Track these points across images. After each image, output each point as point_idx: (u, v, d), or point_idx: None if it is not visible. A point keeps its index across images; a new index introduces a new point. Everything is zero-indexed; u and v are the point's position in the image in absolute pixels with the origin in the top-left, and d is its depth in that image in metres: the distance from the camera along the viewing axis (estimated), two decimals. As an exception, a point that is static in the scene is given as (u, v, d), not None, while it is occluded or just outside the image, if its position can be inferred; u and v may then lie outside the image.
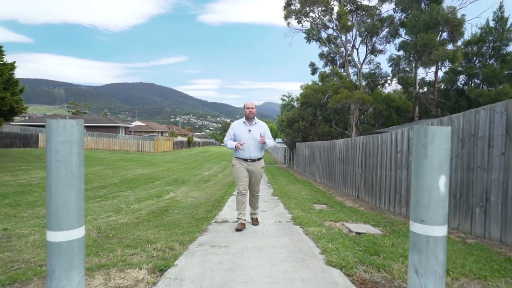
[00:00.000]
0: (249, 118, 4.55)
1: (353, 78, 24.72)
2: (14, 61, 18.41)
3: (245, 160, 4.41)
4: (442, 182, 1.56)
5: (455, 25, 17.65)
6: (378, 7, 23.62)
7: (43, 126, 35.97)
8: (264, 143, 4.40)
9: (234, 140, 4.49)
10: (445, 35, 20.44)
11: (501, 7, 21.27)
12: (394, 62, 24.90)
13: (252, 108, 4.52)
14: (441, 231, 1.58)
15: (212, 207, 6.62)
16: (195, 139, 62.60)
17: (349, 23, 22.86)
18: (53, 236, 1.58)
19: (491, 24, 21.72)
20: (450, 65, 21.03)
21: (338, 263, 2.69)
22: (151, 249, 3.19)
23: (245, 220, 4.42)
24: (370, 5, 23.44)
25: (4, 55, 17.47)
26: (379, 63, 25.68)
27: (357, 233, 4.22)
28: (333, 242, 3.44)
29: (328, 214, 5.80)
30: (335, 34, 22.99)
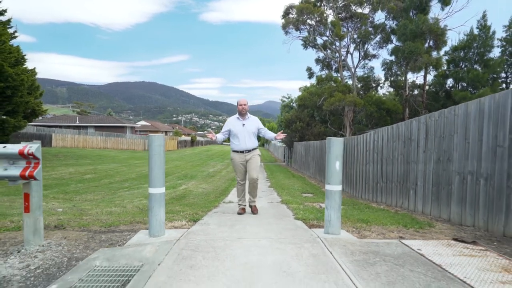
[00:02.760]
0: (242, 114, 4.91)
1: (349, 81, 26.38)
2: (35, 67, 20.18)
3: (242, 152, 4.83)
4: (337, 165, 3.27)
5: (438, 34, 19.27)
6: (371, 15, 25.24)
7: (54, 126, 37.81)
8: (276, 139, 5.00)
9: (228, 135, 4.99)
10: (432, 42, 22.05)
11: (484, 16, 22.86)
12: (387, 66, 26.50)
13: (244, 104, 4.91)
14: (337, 188, 3.29)
15: (219, 194, 8.35)
16: (198, 138, 64.39)
17: (344, 29, 24.56)
18: (152, 190, 3.30)
19: (475, 31, 23.33)
20: (434, 70, 22.62)
21: (302, 218, 4.40)
22: (183, 214, 4.89)
23: (245, 205, 5.07)
24: (364, 12, 25.07)
25: (26, 61, 19.24)
26: (373, 67, 27.35)
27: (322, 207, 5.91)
28: (304, 211, 5.14)
29: (310, 199, 7.49)
30: (330, 40, 24.63)
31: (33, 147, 2.73)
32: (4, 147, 2.72)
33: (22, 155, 2.70)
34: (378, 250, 2.77)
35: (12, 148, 2.71)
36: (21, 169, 2.73)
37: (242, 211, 4.93)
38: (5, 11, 17.74)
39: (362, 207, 6.19)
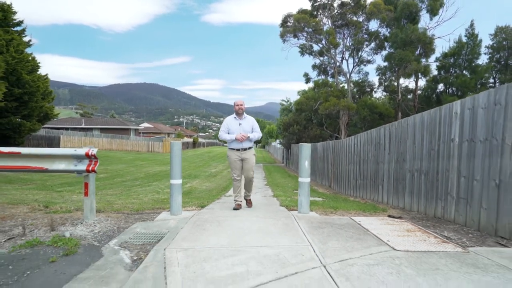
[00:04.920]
0: (238, 114, 5.22)
1: (345, 85, 27.64)
2: (47, 74, 21.49)
3: (238, 150, 5.16)
4: (306, 163, 4.52)
5: (426, 43, 20.51)
6: (365, 23, 26.50)
7: (61, 128, 39.16)
8: (248, 137, 5.11)
9: (228, 133, 5.21)
10: (421, 50, 23.29)
11: (472, 24, 24.12)
12: (381, 71, 27.77)
13: (241, 105, 5.23)
14: (306, 180, 4.54)
15: (221, 190, 9.60)
16: (199, 139, 65.69)
17: (340, 36, 25.87)
18: (173, 181, 4.57)
19: (464, 39, 24.58)
20: (423, 77, 23.84)
21: (285, 205, 5.66)
22: (192, 203, 6.13)
23: (241, 201, 5.41)
24: (359, 20, 26.33)
25: (40, 67, 20.55)
26: (368, 72, 28.57)
27: (308, 200, 7.14)
28: (289, 201, 6.38)
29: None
30: (326, 47, 25.90)
31: (94, 150, 3.99)
32: (75, 150, 3.97)
33: (87, 156, 3.96)
34: (331, 222, 4.02)
35: (81, 151, 3.96)
36: (86, 165, 3.99)
37: (238, 207, 5.24)
38: (21, 22, 19.03)
39: (340, 200, 7.43)
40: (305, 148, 4.54)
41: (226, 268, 2.46)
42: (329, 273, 2.31)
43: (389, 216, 4.46)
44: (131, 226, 4.10)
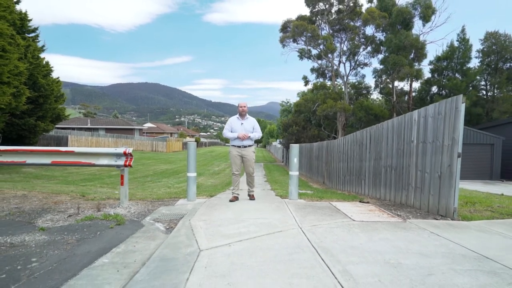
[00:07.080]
0: (241, 115, 5.70)
1: (342, 87, 28.79)
2: (58, 77, 22.69)
3: (239, 146, 5.67)
4: (295, 160, 5.67)
5: (418, 48, 21.62)
6: (362, 28, 27.63)
7: (68, 128, 40.41)
8: (249, 136, 5.61)
9: (231, 132, 5.72)
10: (414, 55, 24.41)
11: (463, 30, 25.23)
12: (377, 74, 28.90)
13: (244, 106, 5.71)
14: (295, 173, 5.69)
15: (225, 185, 10.76)
16: (201, 139, 66.90)
17: (338, 39, 27.02)
18: (189, 174, 5.76)
19: (456, 44, 25.69)
20: (415, 80, 24.94)
21: (279, 195, 6.82)
22: (203, 194, 7.29)
23: (238, 194, 5.91)
24: (356, 25, 27.46)
25: (53, 71, 21.73)
26: (364, 75, 29.75)
27: (300, 193, 8.28)
28: (283, 192, 7.53)
29: (294, 188, 9.86)
30: (324, 51, 27.04)
31: (130, 149, 5.15)
32: (115, 149, 5.12)
33: (124, 153, 5.11)
34: (313, 205, 5.17)
35: (120, 149, 5.12)
36: (123, 161, 5.15)
37: (234, 199, 5.71)
38: (36, 28, 20.21)
39: (328, 192, 8.58)
40: (294, 148, 5.69)
41: (234, 229, 3.62)
42: (302, 231, 3.47)
43: (360, 201, 5.61)
44: (158, 209, 5.26)
